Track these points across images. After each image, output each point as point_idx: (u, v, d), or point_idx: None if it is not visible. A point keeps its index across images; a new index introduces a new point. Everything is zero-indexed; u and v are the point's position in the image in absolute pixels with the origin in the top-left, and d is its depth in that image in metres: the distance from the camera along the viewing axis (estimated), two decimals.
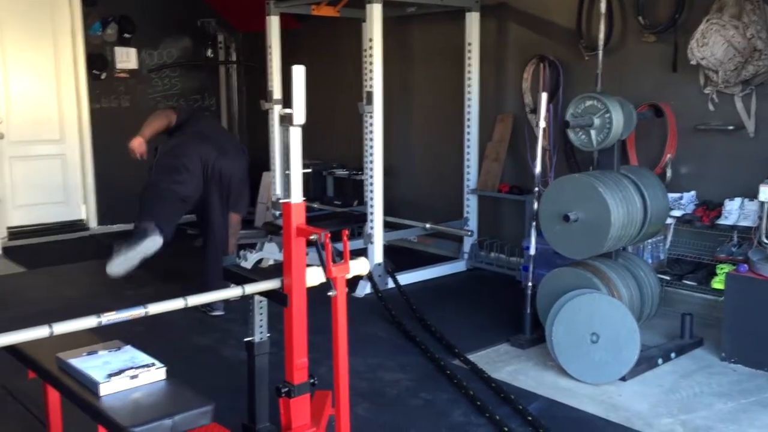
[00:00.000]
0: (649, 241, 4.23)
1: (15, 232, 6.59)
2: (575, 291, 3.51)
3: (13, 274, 5.60)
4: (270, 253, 5.30)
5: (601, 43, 4.06)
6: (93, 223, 7.06)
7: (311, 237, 2.37)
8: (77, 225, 7.02)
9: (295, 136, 2.40)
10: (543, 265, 4.17)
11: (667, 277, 4.24)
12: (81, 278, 5.56)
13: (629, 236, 3.59)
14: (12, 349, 2.53)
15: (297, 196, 2.44)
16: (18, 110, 6.61)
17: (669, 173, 4.41)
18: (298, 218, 2.44)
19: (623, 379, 3.39)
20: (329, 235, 2.35)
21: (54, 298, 4.90)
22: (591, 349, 3.40)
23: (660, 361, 3.60)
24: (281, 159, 2.47)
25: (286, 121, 2.37)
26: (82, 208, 7.06)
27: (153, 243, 4.00)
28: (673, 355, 3.67)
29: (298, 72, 2.35)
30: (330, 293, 2.39)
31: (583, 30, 4.79)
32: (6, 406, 2.96)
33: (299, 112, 2.36)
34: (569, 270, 3.66)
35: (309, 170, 2.49)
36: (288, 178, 2.42)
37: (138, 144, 4.44)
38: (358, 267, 2.56)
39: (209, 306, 4.31)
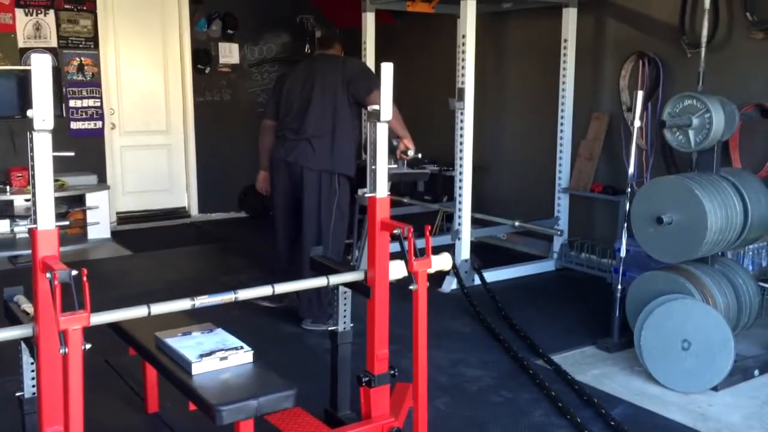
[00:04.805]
0: (751, 247, 4.04)
1: (123, 217, 6.98)
2: (667, 296, 3.41)
3: (120, 256, 5.94)
4: None
5: (704, 39, 3.91)
6: (194, 211, 7.37)
7: (394, 231, 2.42)
8: (180, 212, 7.36)
9: (382, 132, 2.45)
10: (637, 268, 4.05)
11: None
12: (181, 263, 5.84)
13: (727, 241, 3.45)
14: (115, 327, 2.73)
15: (382, 190, 2.50)
16: (129, 102, 6.99)
17: None
18: (382, 212, 2.50)
19: (715, 389, 3.27)
20: (412, 229, 2.40)
21: (155, 280, 5.17)
22: (681, 357, 3.29)
23: (756, 372, 3.44)
24: (369, 154, 2.52)
25: (374, 117, 2.43)
26: (185, 196, 7.40)
27: None
28: None
29: (387, 69, 2.39)
30: (411, 287, 2.43)
31: (686, 26, 4.62)
32: (108, 379, 3.17)
33: (386, 108, 2.41)
34: (661, 274, 3.55)
35: (394, 166, 2.53)
36: (374, 173, 2.47)
37: (262, 182, 4.34)
38: (441, 262, 2.59)
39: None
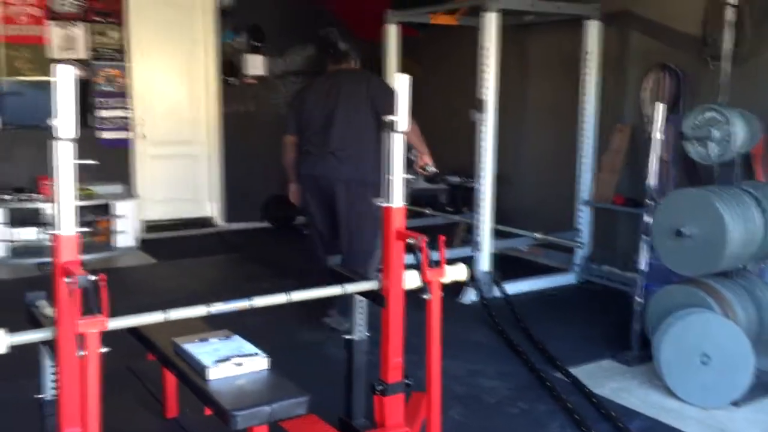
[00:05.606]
0: None
1: (151, 226, 7.07)
2: (686, 309, 3.39)
3: (146, 264, 6.03)
4: None
5: (725, 52, 3.89)
6: (219, 221, 7.46)
7: (409, 240, 2.45)
8: (205, 221, 7.44)
9: (398, 142, 2.48)
10: (659, 282, 4.02)
11: None
12: (205, 271, 5.92)
13: (748, 255, 3.42)
14: (136, 333, 2.78)
15: (398, 200, 2.52)
16: (156, 113, 7.10)
17: None
18: (397, 222, 2.52)
19: (735, 404, 3.23)
20: (426, 239, 2.41)
21: (179, 288, 5.23)
22: (701, 371, 3.26)
23: None
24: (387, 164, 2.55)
25: (390, 127, 2.46)
26: (210, 206, 7.49)
27: None
28: None
29: (402, 81, 2.43)
30: (425, 296, 2.45)
31: (709, 38, 4.58)
32: (129, 384, 3.22)
33: (402, 119, 2.44)
34: (681, 287, 3.52)
35: (411, 176, 2.57)
36: (389, 183, 2.50)
37: (293, 195, 4.39)
38: (456, 272, 2.60)
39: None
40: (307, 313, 4.32)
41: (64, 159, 1.91)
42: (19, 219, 5.89)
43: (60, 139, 1.88)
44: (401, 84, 2.43)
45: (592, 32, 5.21)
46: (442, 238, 2.44)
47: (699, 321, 3.31)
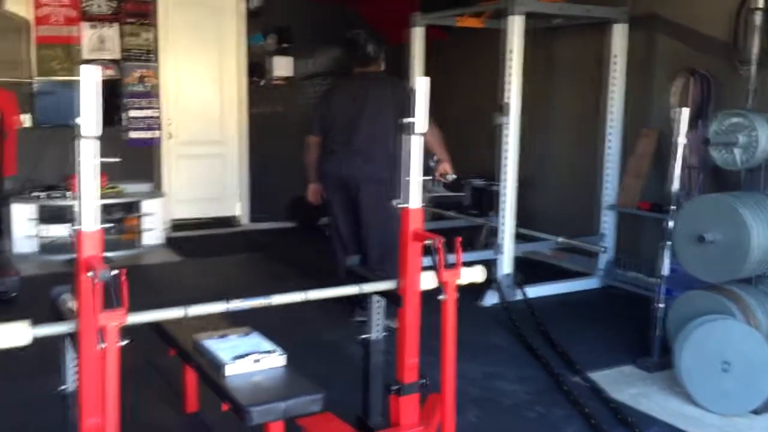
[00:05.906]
0: None
1: (177, 225, 7.17)
2: (707, 316, 3.35)
3: (172, 262, 6.12)
4: None
5: (754, 56, 3.85)
6: (245, 220, 7.54)
7: (426, 242, 2.46)
8: (231, 221, 7.53)
9: (416, 144, 2.50)
10: (681, 287, 3.98)
11: None
12: (230, 270, 5.99)
13: None
14: (159, 330, 2.84)
15: (415, 202, 2.54)
16: (185, 113, 7.19)
17: None
18: (414, 223, 2.54)
19: (755, 412, 3.19)
20: (442, 240, 2.43)
21: (203, 286, 5.30)
22: (721, 378, 3.23)
23: None
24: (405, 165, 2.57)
25: (407, 129, 2.48)
26: (237, 205, 7.57)
27: None
28: None
29: (421, 83, 2.45)
30: (440, 297, 2.47)
31: (739, 43, 4.53)
32: (151, 379, 3.29)
33: (420, 121, 2.46)
34: (703, 293, 3.49)
35: (429, 178, 2.59)
36: (407, 184, 2.52)
37: (313, 194, 4.51)
38: (472, 274, 2.61)
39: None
40: (330, 312, 4.36)
41: (87, 156, 1.95)
42: (49, 216, 6.03)
43: (84, 137, 1.93)
44: (420, 86, 2.45)
45: (619, 35, 5.18)
46: (459, 239, 2.45)
47: (720, 328, 3.28)
